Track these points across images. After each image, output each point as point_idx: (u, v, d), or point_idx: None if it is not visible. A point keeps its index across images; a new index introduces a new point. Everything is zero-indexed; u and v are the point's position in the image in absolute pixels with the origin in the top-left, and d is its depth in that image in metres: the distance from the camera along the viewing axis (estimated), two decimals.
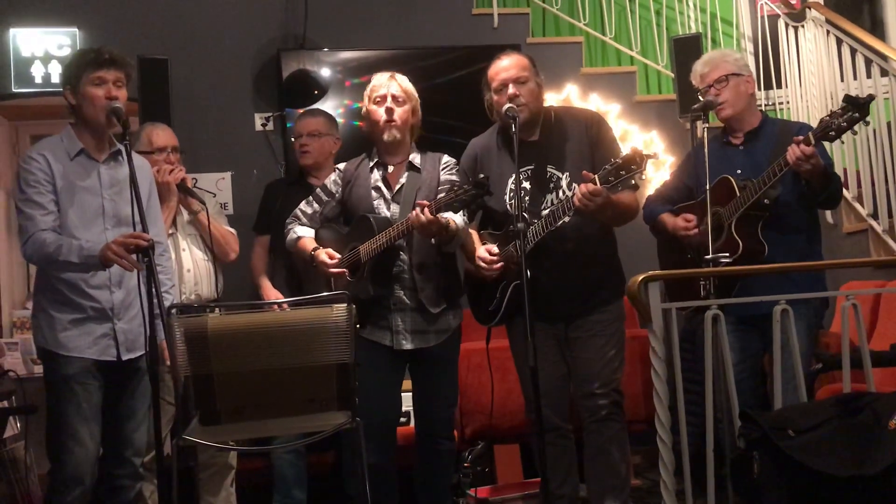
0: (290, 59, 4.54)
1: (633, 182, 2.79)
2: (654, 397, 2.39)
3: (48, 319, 2.73)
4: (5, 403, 3.53)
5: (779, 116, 5.00)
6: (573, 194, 2.75)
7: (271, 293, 3.68)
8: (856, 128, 2.76)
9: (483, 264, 2.94)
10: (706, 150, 2.99)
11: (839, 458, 2.03)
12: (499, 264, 2.92)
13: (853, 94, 2.83)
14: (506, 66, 2.96)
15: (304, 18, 4.54)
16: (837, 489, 2.02)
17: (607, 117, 4.34)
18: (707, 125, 3.08)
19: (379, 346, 2.95)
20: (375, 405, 2.82)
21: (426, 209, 2.75)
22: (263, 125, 4.59)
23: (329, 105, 4.62)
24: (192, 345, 2.30)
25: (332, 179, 3.19)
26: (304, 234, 3.16)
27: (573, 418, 3.03)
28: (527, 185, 2.91)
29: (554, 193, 2.92)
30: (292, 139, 3.85)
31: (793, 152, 2.82)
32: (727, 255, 2.89)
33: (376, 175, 3.09)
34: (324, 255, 3.03)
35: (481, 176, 2.78)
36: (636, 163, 2.66)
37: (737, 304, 2.77)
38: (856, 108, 2.74)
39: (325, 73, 4.60)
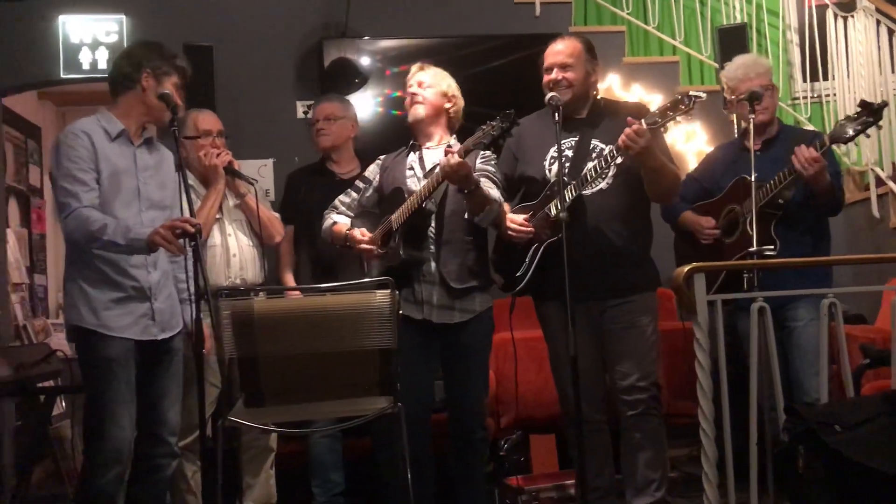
0: (332, 47, 4.56)
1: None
2: (698, 390, 2.38)
3: (86, 298, 2.71)
4: (51, 383, 3.61)
5: (824, 109, 4.93)
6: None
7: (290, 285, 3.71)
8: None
9: (513, 225, 2.96)
10: (751, 141, 3.02)
11: (887, 455, 2.01)
12: (529, 228, 2.93)
13: None
14: (556, 51, 3.01)
15: (346, 6, 4.55)
16: (884, 486, 2.00)
17: (649, 108, 4.30)
18: (752, 116, 3.10)
19: (410, 322, 2.95)
20: (409, 389, 2.81)
21: (454, 153, 2.79)
22: (305, 113, 4.62)
23: (369, 94, 4.64)
24: (238, 328, 2.33)
25: (371, 168, 3.27)
26: (339, 220, 3.20)
27: (607, 409, 3.02)
28: (569, 153, 2.94)
29: (595, 161, 2.92)
30: (310, 126, 3.85)
31: (798, 156, 2.97)
32: (771, 247, 2.90)
33: (412, 157, 3.15)
34: (356, 232, 3.08)
35: (506, 111, 2.82)
36: (684, 103, 2.67)
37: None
38: (870, 113, 2.93)
39: (366, 61, 4.62)
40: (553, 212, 2.91)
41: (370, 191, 3.21)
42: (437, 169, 3.04)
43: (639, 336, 2.94)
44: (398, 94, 4.54)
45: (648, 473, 2.92)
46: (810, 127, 4.75)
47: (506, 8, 4.87)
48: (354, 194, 3.24)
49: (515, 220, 2.97)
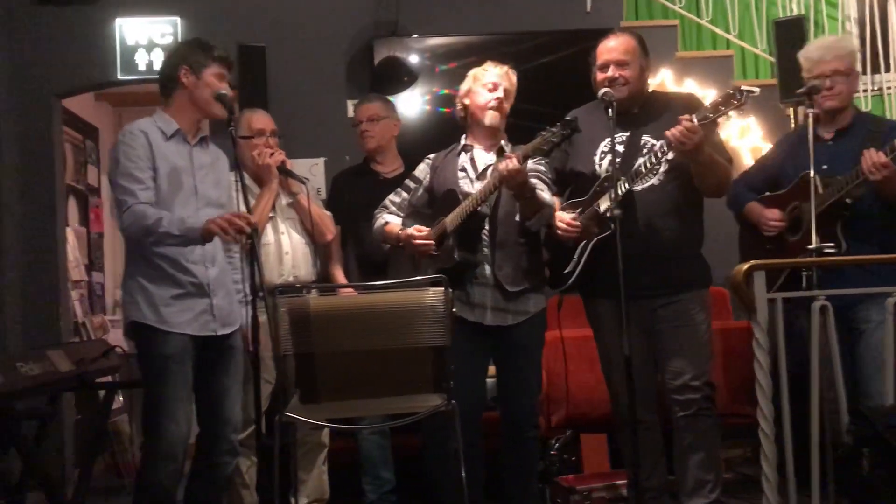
0: (382, 46, 4.58)
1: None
2: (757, 390, 2.33)
3: (146, 295, 2.74)
4: (109, 378, 3.69)
5: (886, 102, 4.79)
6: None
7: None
8: None
9: (560, 224, 2.94)
10: (810, 136, 2.94)
11: None
12: (577, 226, 2.91)
13: None
14: (611, 47, 2.97)
15: (396, 5, 4.57)
16: None
17: (704, 101, 4.23)
18: (812, 111, 3.01)
19: (463, 323, 2.95)
20: (461, 387, 2.82)
21: (513, 158, 2.76)
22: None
23: (418, 92, 4.65)
24: (295, 325, 2.36)
25: (420, 167, 3.25)
26: (391, 220, 3.21)
27: (660, 409, 2.99)
28: (620, 148, 2.90)
29: (646, 157, 2.88)
30: (353, 127, 3.85)
31: (866, 159, 2.84)
32: (832, 245, 2.82)
33: (464, 157, 3.13)
34: (411, 229, 3.07)
35: (568, 117, 2.78)
36: (736, 98, 2.62)
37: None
38: None
39: (415, 59, 4.62)
40: (602, 208, 2.89)
41: (420, 191, 3.21)
42: (490, 171, 3.04)
43: (691, 334, 2.89)
44: (446, 91, 4.55)
45: (702, 474, 2.88)
46: None
47: (556, 4, 4.83)
48: (405, 194, 3.24)
49: (564, 218, 2.95)
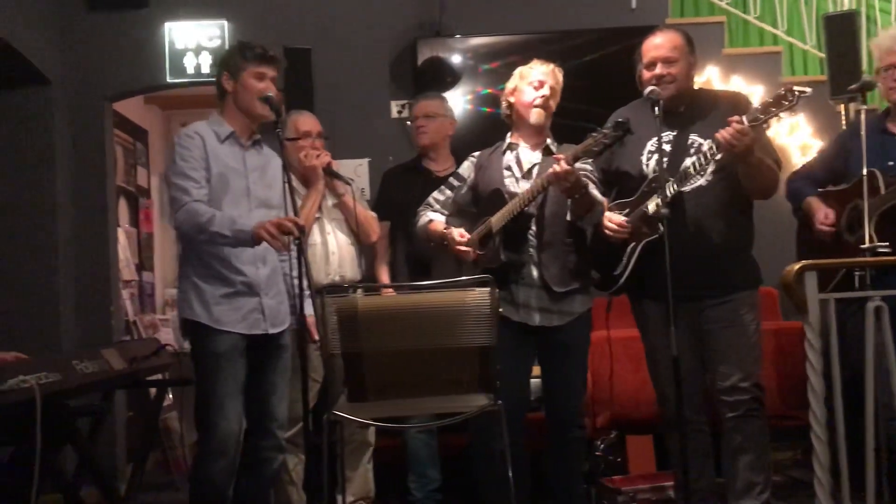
0: (426, 46, 4.60)
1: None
2: (809, 392, 2.29)
3: (198, 293, 2.80)
4: (159, 376, 3.76)
5: None
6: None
7: (384, 281, 3.75)
8: None
9: (609, 224, 2.91)
10: (863, 134, 2.87)
11: None
12: (626, 228, 2.89)
13: None
14: (657, 44, 2.93)
15: (439, 6, 4.58)
16: None
17: (751, 99, 4.17)
18: (864, 107, 2.94)
19: (508, 323, 2.94)
20: (506, 386, 2.82)
21: (562, 160, 2.75)
22: (399, 112, 4.68)
23: (460, 91, 4.65)
24: (343, 324, 2.38)
25: (465, 166, 3.26)
26: (435, 218, 3.22)
27: (708, 410, 2.95)
28: (666, 148, 2.87)
29: (694, 158, 2.85)
30: (409, 122, 3.89)
31: None
32: (886, 244, 2.75)
33: (509, 156, 3.12)
34: (455, 233, 3.08)
35: (619, 118, 2.76)
36: (787, 98, 2.58)
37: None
38: None
39: (457, 59, 4.63)
40: (651, 209, 2.86)
41: (465, 189, 3.21)
42: (537, 171, 3.03)
43: (740, 335, 2.86)
44: (489, 91, 4.56)
45: (751, 476, 2.84)
46: None
47: (601, 1, 4.81)
48: (449, 192, 3.25)
49: (614, 219, 2.92)
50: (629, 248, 2.93)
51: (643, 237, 2.88)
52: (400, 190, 3.75)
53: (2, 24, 3.94)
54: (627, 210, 2.95)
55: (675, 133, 2.91)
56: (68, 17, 4.62)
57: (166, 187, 2.89)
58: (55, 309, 4.37)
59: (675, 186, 2.81)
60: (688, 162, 2.84)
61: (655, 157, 2.86)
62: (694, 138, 2.89)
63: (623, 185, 3.03)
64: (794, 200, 3.29)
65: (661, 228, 2.70)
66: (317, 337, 2.96)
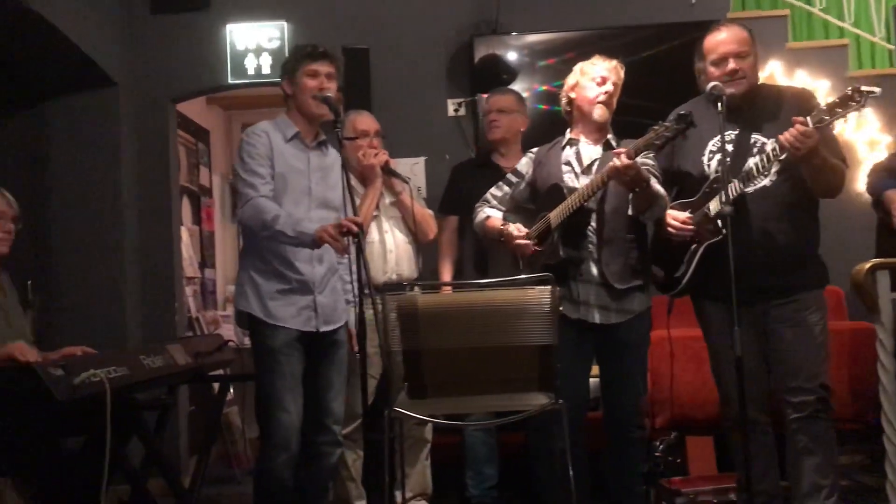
0: (482, 44, 4.60)
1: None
2: (882, 394, 2.24)
3: (255, 288, 2.88)
4: (221, 371, 3.84)
5: None
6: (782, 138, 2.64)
7: (444, 278, 3.76)
8: None
9: (673, 222, 2.87)
10: None
11: None
12: (690, 227, 2.84)
13: None
14: (726, 40, 2.88)
15: (497, 3, 4.57)
16: None
17: (816, 95, 4.07)
18: None
19: (566, 321, 2.92)
20: (564, 385, 2.81)
21: (623, 154, 2.73)
22: (455, 110, 4.68)
23: (516, 88, 4.61)
24: (403, 321, 2.40)
25: (523, 162, 3.25)
26: (492, 214, 3.21)
27: (773, 412, 2.90)
28: (728, 147, 2.81)
29: (756, 157, 2.80)
30: (482, 115, 3.90)
31: None
32: None
33: (568, 151, 3.11)
34: (512, 228, 3.07)
35: (681, 112, 2.72)
36: (854, 99, 2.52)
37: None
38: None
39: (513, 56, 4.62)
40: (713, 211, 2.81)
41: (523, 185, 3.20)
42: (596, 166, 3.01)
43: (805, 335, 2.80)
44: (545, 87, 4.54)
45: (817, 479, 2.78)
46: None
47: None
48: (506, 188, 3.24)
49: (678, 217, 2.88)
50: (691, 250, 2.89)
51: (706, 239, 2.83)
52: (468, 185, 3.75)
53: (71, 29, 4.07)
54: (689, 210, 2.91)
55: (737, 132, 2.85)
56: (133, 20, 4.74)
57: (235, 182, 2.96)
58: (121, 305, 4.50)
59: (739, 187, 2.76)
60: (751, 163, 2.78)
61: (717, 157, 2.81)
62: (757, 137, 2.83)
63: (684, 185, 2.99)
64: (873, 193, 3.20)
65: (724, 230, 2.65)
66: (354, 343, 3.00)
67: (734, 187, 2.75)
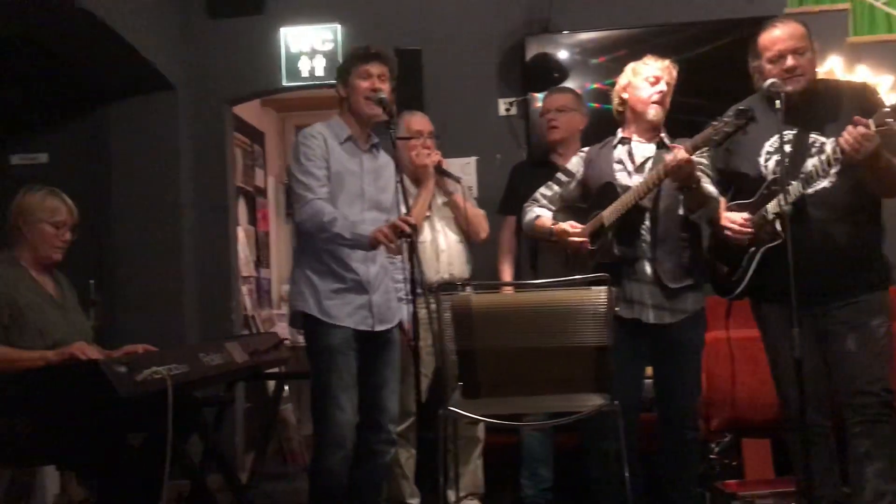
0: (534, 43, 4.59)
1: None
2: None
3: (311, 287, 2.91)
4: (277, 369, 3.90)
5: None
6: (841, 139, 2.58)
7: (505, 277, 3.76)
8: None
9: (732, 225, 2.83)
10: None
11: None
12: (749, 229, 2.80)
13: None
14: (783, 36, 2.82)
15: (549, 2, 4.56)
16: None
17: (878, 90, 3.97)
18: None
19: (620, 321, 2.88)
20: (619, 386, 2.77)
21: (682, 149, 2.70)
22: (507, 110, 4.67)
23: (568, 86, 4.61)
24: (457, 321, 2.42)
25: (574, 161, 3.24)
26: (542, 213, 3.21)
27: (835, 415, 2.84)
28: (786, 147, 2.75)
29: (816, 158, 2.74)
30: (540, 116, 3.88)
31: None
32: None
33: (620, 150, 3.09)
34: (565, 225, 3.06)
35: (740, 107, 2.67)
36: None
37: None
38: None
39: (565, 55, 4.60)
40: (771, 214, 2.76)
41: (573, 184, 3.19)
42: (650, 164, 2.99)
43: (867, 337, 2.73)
44: (596, 86, 4.50)
45: (881, 485, 2.71)
46: None
47: None
48: (556, 187, 3.23)
49: (735, 220, 2.84)
50: (749, 253, 2.84)
51: (764, 242, 2.79)
52: (527, 184, 3.74)
53: (132, 35, 4.17)
54: (747, 213, 2.86)
55: (794, 131, 2.79)
56: (191, 25, 4.83)
57: (289, 184, 3.00)
58: (180, 303, 4.60)
59: (800, 188, 2.70)
60: (809, 164, 2.73)
61: (775, 157, 2.76)
62: (816, 137, 2.77)
63: (740, 186, 2.94)
64: None
65: (782, 234, 2.60)
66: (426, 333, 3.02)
67: (795, 188, 2.70)
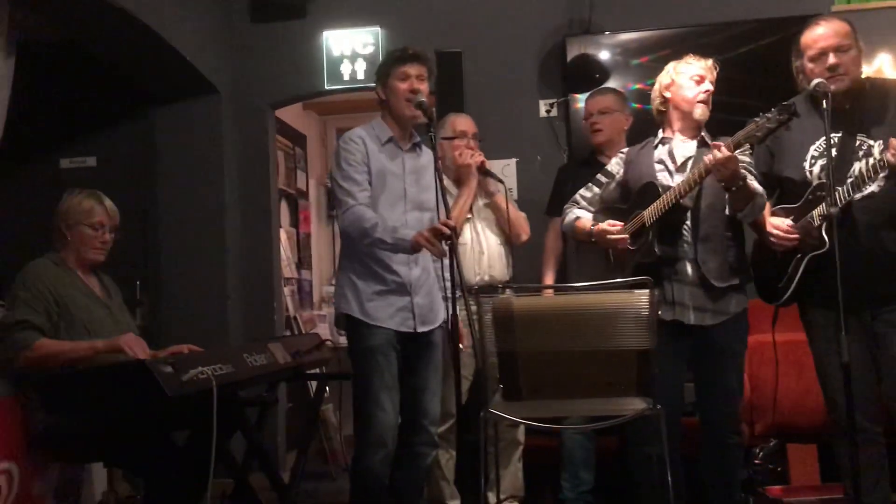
0: (575, 44, 4.57)
1: None
2: None
3: (354, 289, 2.95)
4: (317, 370, 3.92)
5: None
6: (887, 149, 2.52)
7: (547, 279, 3.74)
8: None
9: (777, 232, 2.79)
10: None
11: None
12: (794, 236, 2.75)
13: None
14: (825, 34, 2.77)
15: (589, 3, 4.54)
16: None
17: None
18: None
19: (661, 323, 2.81)
20: (660, 390, 2.75)
21: (723, 146, 2.66)
22: (548, 111, 4.66)
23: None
24: (498, 323, 2.42)
25: (613, 162, 3.22)
26: (581, 215, 3.19)
27: (886, 420, 2.78)
28: (832, 152, 2.68)
29: (863, 162, 2.68)
30: (584, 120, 3.86)
31: None
32: None
33: (661, 150, 3.06)
34: (604, 224, 3.04)
35: (785, 103, 2.63)
36: None
37: None
38: None
39: (606, 55, 4.57)
40: (817, 221, 2.72)
41: (613, 185, 3.17)
42: (691, 163, 2.96)
43: None
44: (638, 86, 4.47)
45: None
46: None
47: None
48: (596, 189, 3.21)
49: (780, 227, 2.80)
50: (795, 259, 2.80)
51: (810, 248, 2.74)
52: (573, 185, 3.73)
53: (178, 40, 4.25)
54: (792, 217, 2.82)
55: (840, 134, 2.73)
56: (234, 29, 4.91)
57: (332, 188, 3.03)
58: (223, 304, 4.67)
59: (847, 193, 2.64)
60: (856, 168, 2.67)
61: (820, 162, 2.71)
62: (862, 139, 2.71)
63: (785, 190, 2.90)
64: None
65: (826, 242, 2.54)
66: (465, 341, 3.03)
67: (842, 194, 2.65)
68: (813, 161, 2.78)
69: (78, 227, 3.04)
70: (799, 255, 2.79)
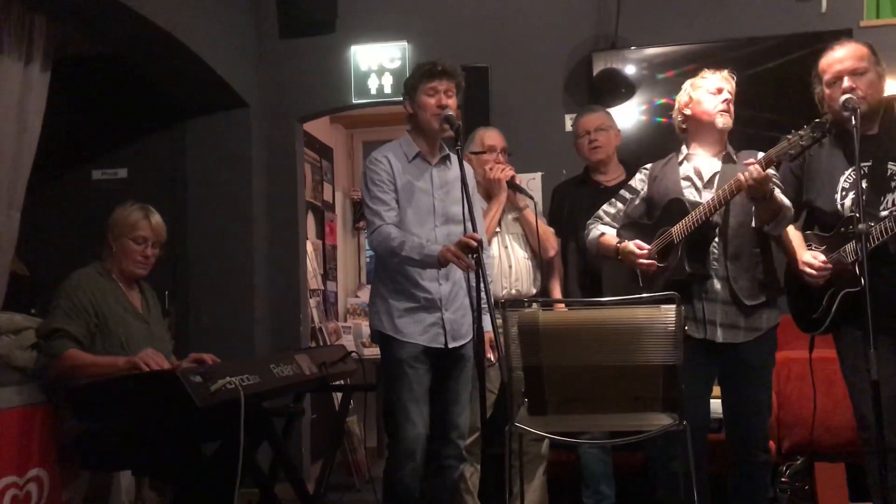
0: (601, 59, 4.59)
1: None
2: None
3: (386, 306, 3.00)
4: (342, 381, 3.94)
5: None
6: None
7: (556, 296, 3.73)
8: None
9: (809, 270, 2.77)
10: None
11: None
12: (826, 272, 2.73)
13: None
14: (840, 58, 2.74)
15: (616, 18, 4.55)
16: None
17: None
18: None
19: (689, 340, 2.82)
20: (687, 405, 2.76)
21: (755, 165, 2.65)
22: (573, 125, 4.66)
23: (635, 102, 4.59)
24: (524, 337, 2.43)
25: (637, 178, 3.21)
26: (606, 231, 3.19)
27: None
28: (863, 183, 2.66)
29: None
30: (577, 138, 3.81)
31: None
32: None
33: (686, 166, 3.05)
34: (632, 245, 3.03)
35: (818, 119, 2.60)
36: None
37: None
38: None
39: (632, 70, 4.58)
40: (850, 257, 2.67)
41: (637, 201, 3.17)
42: (717, 179, 2.95)
43: None
44: (663, 101, 4.47)
45: None
46: None
47: (787, 5, 4.57)
48: (620, 204, 3.21)
49: (813, 263, 2.77)
50: (829, 293, 2.77)
51: (844, 284, 2.71)
52: (570, 204, 3.76)
53: (208, 54, 4.32)
54: (825, 248, 2.79)
55: (869, 164, 2.69)
56: (263, 44, 4.97)
57: (362, 208, 3.08)
58: (251, 314, 4.71)
59: (888, 231, 2.56)
60: (890, 199, 2.64)
61: (851, 194, 2.67)
62: (893, 168, 2.68)
63: (814, 217, 2.87)
64: None
65: (861, 282, 2.49)
66: (490, 355, 3.04)
67: (881, 230, 2.58)
68: (844, 193, 2.74)
69: (122, 239, 3.09)
70: (833, 289, 2.76)
